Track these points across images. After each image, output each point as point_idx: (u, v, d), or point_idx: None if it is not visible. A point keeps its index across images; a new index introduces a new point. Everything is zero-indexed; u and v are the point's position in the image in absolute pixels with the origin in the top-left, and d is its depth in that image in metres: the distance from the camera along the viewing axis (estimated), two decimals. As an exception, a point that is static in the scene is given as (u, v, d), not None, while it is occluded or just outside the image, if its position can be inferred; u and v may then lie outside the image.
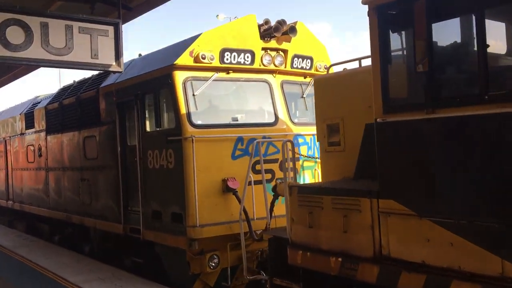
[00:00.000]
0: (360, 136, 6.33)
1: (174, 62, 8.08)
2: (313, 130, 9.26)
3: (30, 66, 5.59)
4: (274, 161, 8.74)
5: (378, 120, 4.98)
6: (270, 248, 6.75)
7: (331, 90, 6.80)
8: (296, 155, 7.93)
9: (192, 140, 7.85)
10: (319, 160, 9.43)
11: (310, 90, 9.62)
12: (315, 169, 9.38)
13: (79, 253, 11.72)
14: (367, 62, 6.59)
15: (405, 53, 4.95)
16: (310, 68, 9.61)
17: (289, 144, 6.62)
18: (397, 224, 4.85)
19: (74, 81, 13.27)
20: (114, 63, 6.40)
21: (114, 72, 6.66)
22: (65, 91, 13.21)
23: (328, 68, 7.82)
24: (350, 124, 6.51)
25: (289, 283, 6.41)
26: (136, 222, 9.36)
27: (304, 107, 9.52)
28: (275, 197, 7.56)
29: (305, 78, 9.62)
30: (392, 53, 5.00)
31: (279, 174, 8.75)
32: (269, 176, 8.68)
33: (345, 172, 6.56)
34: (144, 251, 9.41)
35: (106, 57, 6.28)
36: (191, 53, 8.16)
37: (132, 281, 8.77)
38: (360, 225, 5.19)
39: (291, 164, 7.66)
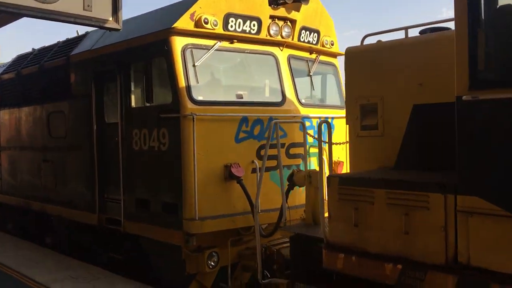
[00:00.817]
0: (405, 119, 5.41)
1: (173, 26, 6.84)
2: (319, 112, 8.33)
3: (9, 12, 4.24)
4: (280, 146, 7.70)
5: (464, 98, 4.04)
6: (293, 247, 5.75)
7: (369, 64, 5.81)
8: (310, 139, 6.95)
9: (193, 118, 6.68)
10: (325, 147, 8.52)
11: (316, 67, 8.64)
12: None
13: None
14: (414, 32, 5.68)
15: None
16: (317, 43, 8.60)
17: (324, 125, 5.59)
18: (482, 226, 3.96)
19: (34, 49, 11.62)
20: (110, 18, 5.12)
21: (110, 30, 5.35)
22: (23, 60, 11.54)
23: (362, 39, 6.87)
24: (391, 105, 5.57)
25: (317, 289, 5.45)
26: (115, 212, 8.10)
27: (311, 86, 8.51)
28: (291, 187, 6.56)
29: (310, 54, 8.60)
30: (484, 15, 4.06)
31: (286, 160, 7.74)
32: (274, 162, 7.64)
33: (383, 160, 5.63)
34: (124, 246, 8.17)
35: (101, 10, 4.99)
36: (192, 15, 6.95)
37: (113, 280, 7.54)
38: (428, 225, 4.28)
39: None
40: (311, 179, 6.17)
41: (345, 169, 8.89)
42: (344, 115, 8.92)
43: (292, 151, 7.83)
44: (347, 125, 6.12)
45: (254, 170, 7.29)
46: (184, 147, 6.76)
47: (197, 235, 6.75)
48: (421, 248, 4.33)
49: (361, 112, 5.84)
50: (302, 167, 7.95)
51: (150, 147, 7.30)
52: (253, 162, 7.31)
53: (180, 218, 6.80)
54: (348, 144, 6.13)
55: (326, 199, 5.14)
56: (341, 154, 8.86)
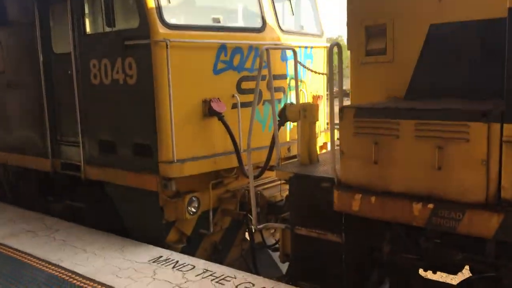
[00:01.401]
0: (419, 41, 4.78)
1: None
2: (301, 41, 7.56)
3: None
4: (261, 78, 6.91)
5: (521, 8, 3.42)
6: (293, 189, 5.13)
7: (377, -21, 5.07)
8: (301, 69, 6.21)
9: (166, 45, 5.70)
10: (304, 80, 7.83)
11: (295, -11, 7.76)
12: (300, 89, 7.73)
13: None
14: None
15: None
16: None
17: (335, 48, 4.82)
18: (534, 158, 3.49)
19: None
20: None
21: None
22: None
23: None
24: (403, 25, 4.89)
25: (322, 232, 4.92)
26: (73, 156, 7.12)
27: (291, 11, 7.66)
28: (282, 123, 5.85)
29: (288, -26, 7.69)
30: None
31: (266, 95, 6.99)
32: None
33: (391, 90, 5.02)
34: (86, 194, 7.27)
35: None
36: None
37: (76, 232, 6.69)
38: (466, 159, 3.76)
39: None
40: (307, 113, 5.48)
41: (324, 104, 8.31)
42: (323, 44, 8.28)
43: (274, 83, 7.06)
44: (349, 51, 5.43)
45: (235, 106, 6.50)
46: (157, 80, 5.82)
47: (176, 179, 5.98)
48: (456, 185, 3.83)
49: (367, 35, 5.13)
50: (283, 102, 7.26)
51: (113, 81, 6.29)
52: (233, 96, 6.51)
53: (156, 161, 5.97)
54: (350, 73, 5.45)
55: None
56: (320, 87, 8.24)
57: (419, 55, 4.81)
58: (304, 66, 6.20)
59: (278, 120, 5.83)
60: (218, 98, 6.27)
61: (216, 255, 6.93)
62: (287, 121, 5.81)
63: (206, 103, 6.19)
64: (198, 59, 6.16)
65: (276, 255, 7.59)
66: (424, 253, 4.34)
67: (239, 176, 6.84)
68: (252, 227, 6.17)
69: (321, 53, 8.08)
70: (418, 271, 4.66)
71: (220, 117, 6.18)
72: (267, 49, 5.40)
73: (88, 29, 6.63)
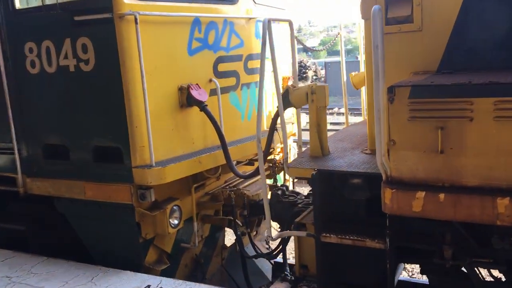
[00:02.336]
0: (455, 6, 4.09)
1: None
2: (275, 14, 6.63)
3: None
4: (238, 58, 5.90)
5: None
6: (317, 189, 4.23)
7: None
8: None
9: (135, 19, 4.47)
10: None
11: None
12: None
13: None
14: None
15: None
16: None
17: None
18: None
19: None
20: None
21: None
22: None
23: None
24: (434, -12, 4.18)
25: (358, 239, 4.11)
26: (6, 166, 5.60)
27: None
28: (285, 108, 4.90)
29: None
30: None
31: (244, 77, 6.00)
32: (233, 81, 5.85)
33: (420, 64, 4.30)
34: (27, 213, 5.80)
35: None
36: None
37: (24, 262, 5.24)
38: None
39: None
40: (315, 96, 4.60)
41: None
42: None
43: (251, 64, 6.08)
44: (364, 20, 4.61)
45: (212, 92, 5.43)
46: (125, 64, 4.57)
47: (154, 187, 4.82)
48: (552, 174, 3.19)
49: (387, 0, 4.35)
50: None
51: (61, 69, 4.91)
52: (211, 81, 5.43)
53: (128, 167, 4.74)
54: (365, 47, 4.64)
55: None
56: (287, 67, 7.38)
57: (455, 23, 4.12)
58: (303, 45, 5.27)
59: (277, 106, 4.87)
60: (197, 84, 5.15)
61: (199, 270, 5.87)
62: (290, 106, 4.87)
63: (183, 91, 5.05)
64: (171, 37, 5.00)
65: (261, 262, 6.71)
66: (498, 255, 3.69)
67: (220, 176, 5.81)
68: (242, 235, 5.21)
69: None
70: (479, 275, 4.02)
71: (202, 107, 5.08)
72: (269, 21, 4.39)
73: (18, 2, 5.14)
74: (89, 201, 5.06)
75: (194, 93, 5.03)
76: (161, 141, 4.86)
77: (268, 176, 6.43)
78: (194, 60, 5.25)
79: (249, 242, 6.04)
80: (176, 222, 5.12)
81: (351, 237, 4.14)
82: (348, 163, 4.37)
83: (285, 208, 5.83)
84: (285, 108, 4.91)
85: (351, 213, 4.35)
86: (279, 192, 6.03)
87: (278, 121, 4.72)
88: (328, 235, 4.23)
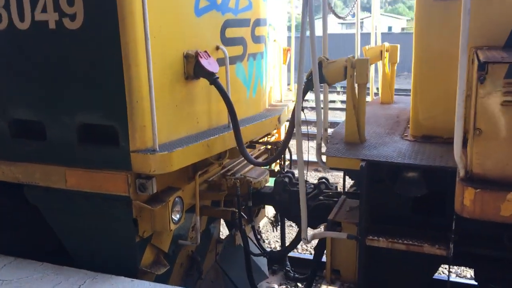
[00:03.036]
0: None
1: None
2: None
3: None
4: (246, 23, 5.03)
5: None
6: (366, 183, 3.53)
7: None
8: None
9: (140, -35, 3.53)
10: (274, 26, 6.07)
11: None
12: (274, 40, 5.98)
13: None
14: None
15: None
16: None
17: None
18: None
19: None
20: None
21: None
22: None
23: None
24: None
25: (416, 244, 3.47)
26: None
27: None
28: (310, 87, 4.12)
29: None
30: None
31: (252, 47, 5.16)
32: (240, 50, 5.00)
33: (482, 36, 3.66)
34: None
35: None
36: None
37: (-16, 268, 4.24)
38: None
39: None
40: (356, 71, 3.86)
41: (293, 60, 6.69)
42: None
43: (258, 31, 5.24)
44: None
45: (219, 62, 4.55)
46: (126, 21, 3.62)
47: (157, 176, 3.95)
48: None
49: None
50: (265, 56, 5.50)
51: (36, 25, 3.87)
52: (218, 49, 4.55)
53: (126, 150, 3.82)
54: (415, 16, 3.93)
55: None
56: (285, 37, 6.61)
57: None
58: (335, 14, 4.49)
59: (306, 83, 4.10)
60: (206, 52, 4.27)
61: (195, 269, 5.08)
62: (322, 83, 4.10)
63: (190, 60, 4.16)
64: (177, -7, 4.07)
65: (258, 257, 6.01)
66: None
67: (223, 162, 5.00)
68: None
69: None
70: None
71: (214, 79, 4.21)
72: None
73: None
74: (71, 191, 4.10)
75: (204, 62, 4.15)
76: (164, 120, 3.97)
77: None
78: (201, 22, 4.34)
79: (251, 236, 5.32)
80: (178, 216, 4.28)
81: (405, 241, 3.49)
82: (396, 152, 3.69)
83: (297, 200, 5.15)
84: (312, 86, 4.15)
85: (399, 212, 3.70)
86: (286, 179, 5.32)
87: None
88: (375, 238, 3.55)
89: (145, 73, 3.70)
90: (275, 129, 5.54)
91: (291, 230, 8.37)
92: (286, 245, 5.82)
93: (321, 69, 3.98)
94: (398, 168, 3.52)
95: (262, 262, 6.23)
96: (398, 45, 5.75)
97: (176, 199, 4.24)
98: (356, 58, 3.93)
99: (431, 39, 3.86)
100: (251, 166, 5.45)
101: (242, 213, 5.02)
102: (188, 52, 4.15)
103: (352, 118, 3.94)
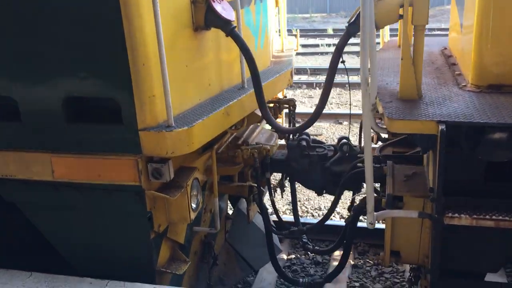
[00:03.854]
0: None
1: None
2: None
3: None
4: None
5: None
6: (443, 150, 2.84)
7: None
8: None
9: None
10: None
11: None
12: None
13: None
14: None
15: None
16: None
17: None
18: None
19: None
20: None
21: None
22: None
23: None
24: None
25: (508, 217, 2.87)
26: None
27: None
28: (355, 31, 3.30)
29: None
30: None
31: None
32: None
33: None
34: None
35: None
36: None
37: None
38: None
39: None
40: (415, 8, 3.08)
41: None
42: None
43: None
44: None
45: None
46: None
47: (173, 159, 3.12)
48: None
49: None
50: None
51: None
52: (226, -10, 3.64)
53: (132, 128, 2.95)
54: None
55: None
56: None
57: None
58: None
59: (348, 27, 3.29)
60: (218, -6, 3.36)
61: (209, 255, 4.36)
62: (357, 31, 3.31)
63: (200, 5, 3.25)
64: None
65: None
66: None
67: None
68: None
69: None
70: None
71: (231, 29, 3.32)
72: None
73: None
74: (61, 183, 3.21)
75: (218, 7, 3.25)
76: (174, 86, 3.07)
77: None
78: (208, -45, 3.40)
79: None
80: (196, 202, 3.50)
81: (493, 217, 2.88)
82: (472, 109, 3.02)
83: (319, 166, 4.48)
84: (357, 30, 3.36)
85: (476, 181, 3.07)
86: (303, 142, 4.61)
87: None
88: (456, 215, 2.92)
89: (151, 25, 2.80)
90: (289, 85, 4.75)
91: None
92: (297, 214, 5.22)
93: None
94: (480, 129, 2.86)
95: (274, 235, 5.59)
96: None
97: (194, 181, 3.44)
98: (411, -6, 3.15)
99: None
100: (256, 130, 4.69)
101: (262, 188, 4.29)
102: (196, -5, 3.24)
103: (410, 69, 3.21)
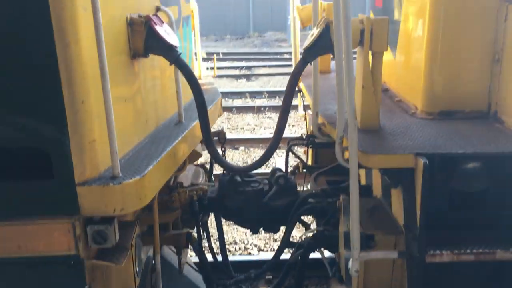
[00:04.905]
0: None
1: None
2: None
3: None
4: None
5: None
6: (427, 184, 2.65)
7: None
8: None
9: None
10: None
11: None
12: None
13: None
14: None
15: None
16: None
17: None
18: None
19: None
20: None
21: None
22: None
23: None
24: None
25: (487, 250, 2.78)
26: None
27: None
28: (316, 55, 3.01)
29: None
30: None
31: (184, 7, 3.86)
32: (175, 12, 3.63)
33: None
34: None
35: None
36: None
37: None
38: None
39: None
40: (374, 34, 2.90)
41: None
42: None
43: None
44: None
45: (161, 31, 3.13)
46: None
47: (118, 217, 2.50)
48: None
49: None
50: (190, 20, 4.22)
51: None
52: (158, 10, 3.13)
53: (67, 183, 2.29)
54: None
55: None
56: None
57: None
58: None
59: (304, 54, 3.01)
60: (157, 15, 2.85)
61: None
62: (323, 54, 3.05)
63: (138, 28, 2.71)
64: None
65: (190, 273, 4.82)
66: None
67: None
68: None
69: None
70: None
71: (177, 57, 2.82)
72: None
73: None
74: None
75: (161, 31, 2.74)
76: (120, 123, 2.50)
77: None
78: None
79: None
80: (140, 264, 2.89)
81: (473, 250, 2.76)
82: (441, 138, 2.92)
83: (255, 203, 4.13)
84: (314, 57, 3.10)
85: (450, 213, 2.95)
86: (237, 177, 4.23)
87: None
88: (437, 252, 2.75)
89: (91, 54, 2.22)
90: (219, 115, 4.32)
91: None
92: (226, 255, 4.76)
93: (328, 35, 2.93)
94: (456, 160, 2.74)
95: (200, 279, 5.05)
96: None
97: (137, 239, 2.84)
98: (371, 17, 2.97)
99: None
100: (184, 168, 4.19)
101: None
102: (133, 17, 2.70)
103: (372, 98, 3.02)
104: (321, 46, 2.97)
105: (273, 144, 3.17)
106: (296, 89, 3.21)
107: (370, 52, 2.98)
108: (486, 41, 3.15)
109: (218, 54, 21.36)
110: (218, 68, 17.75)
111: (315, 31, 3.01)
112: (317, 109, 3.38)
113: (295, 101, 4.45)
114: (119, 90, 2.61)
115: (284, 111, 3.10)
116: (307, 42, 3.02)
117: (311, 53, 3.01)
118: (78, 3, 2.17)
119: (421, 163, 2.62)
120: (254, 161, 3.34)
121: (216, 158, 3.22)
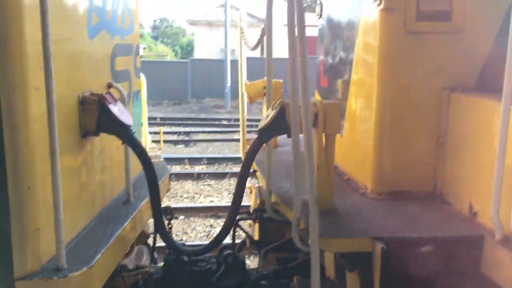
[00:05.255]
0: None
1: None
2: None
3: None
4: (129, 50, 3.59)
5: None
6: (388, 272, 2.62)
7: None
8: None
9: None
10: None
11: None
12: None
13: None
14: None
15: None
16: None
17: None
18: None
19: None
20: None
21: None
22: None
23: None
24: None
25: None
26: None
27: None
28: (265, 140, 3.01)
29: None
30: None
31: (135, 83, 3.81)
32: (126, 87, 3.55)
33: (456, 75, 3.27)
34: None
35: None
36: None
37: None
38: None
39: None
40: (327, 118, 2.96)
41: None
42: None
43: (138, 61, 3.82)
44: (382, 14, 3.21)
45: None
46: (10, 44, 1.94)
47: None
48: None
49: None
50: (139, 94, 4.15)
51: None
52: (110, 87, 3.04)
53: (7, 279, 2.06)
54: (380, 47, 3.26)
55: None
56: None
57: (501, 24, 3.24)
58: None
59: (260, 134, 3.00)
60: (110, 94, 2.75)
61: None
62: (281, 134, 3.05)
63: (90, 107, 2.60)
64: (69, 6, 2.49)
65: None
66: None
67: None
68: None
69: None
70: None
71: (130, 137, 2.71)
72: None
73: None
74: None
75: (114, 110, 2.64)
76: (69, 208, 2.31)
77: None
78: (94, 47, 2.80)
79: None
80: None
81: None
82: (395, 221, 2.94)
83: (202, 281, 3.94)
84: (270, 138, 3.09)
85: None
86: (184, 257, 4.03)
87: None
88: None
89: (41, 136, 2.07)
90: (167, 191, 4.16)
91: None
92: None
93: (283, 116, 2.96)
94: (413, 243, 2.76)
95: None
96: (281, 81, 5.07)
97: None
98: (323, 101, 3.04)
99: (403, 73, 3.26)
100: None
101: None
102: (86, 96, 2.59)
103: (326, 178, 3.03)
104: (277, 128, 2.98)
105: (223, 231, 3.07)
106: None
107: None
108: (430, 126, 3.30)
109: (155, 119, 21.25)
110: (155, 133, 17.50)
111: (270, 113, 3.03)
112: (271, 187, 3.34)
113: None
114: (67, 171, 2.44)
115: (238, 195, 3.04)
116: (262, 123, 3.03)
117: (266, 134, 3.01)
118: (31, 83, 2.05)
119: (379, 248, 2.62)
120: (205, 244, 3.20)
121: (167, 240, 3.05)
